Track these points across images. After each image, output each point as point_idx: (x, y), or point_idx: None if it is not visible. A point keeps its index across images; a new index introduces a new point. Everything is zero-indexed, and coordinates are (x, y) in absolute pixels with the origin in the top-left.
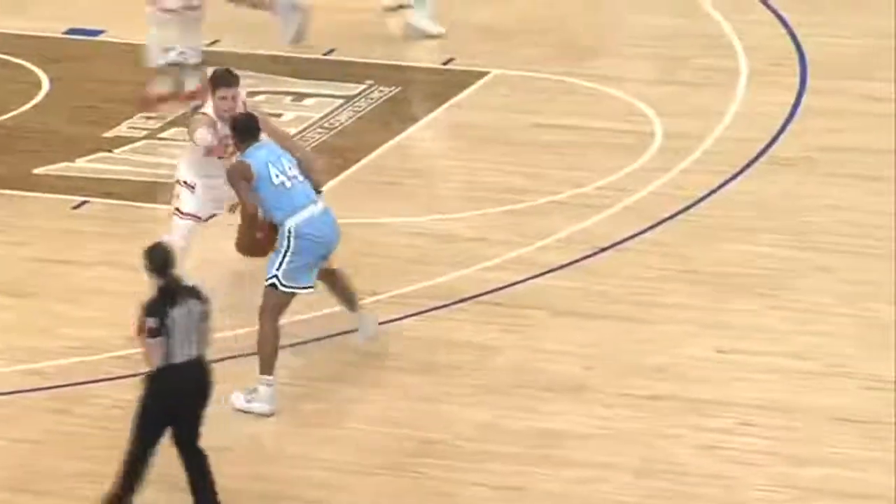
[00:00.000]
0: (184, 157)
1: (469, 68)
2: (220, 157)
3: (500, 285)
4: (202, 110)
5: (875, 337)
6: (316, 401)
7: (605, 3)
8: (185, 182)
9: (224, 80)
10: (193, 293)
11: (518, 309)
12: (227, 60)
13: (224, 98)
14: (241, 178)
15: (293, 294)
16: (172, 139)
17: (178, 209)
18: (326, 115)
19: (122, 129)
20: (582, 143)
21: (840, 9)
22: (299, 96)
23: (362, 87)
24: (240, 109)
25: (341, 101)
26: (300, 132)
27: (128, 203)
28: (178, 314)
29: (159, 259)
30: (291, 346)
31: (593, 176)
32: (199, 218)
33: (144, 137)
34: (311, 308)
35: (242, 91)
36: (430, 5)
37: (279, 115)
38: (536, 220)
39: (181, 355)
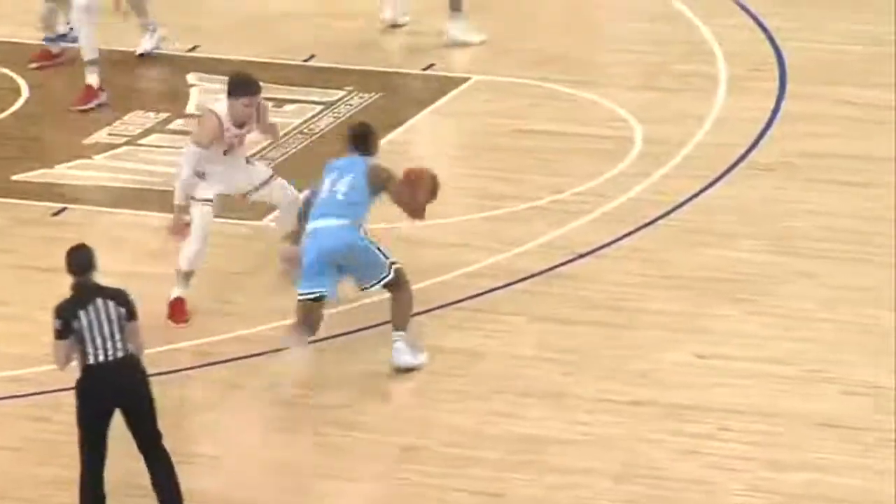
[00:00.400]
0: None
1: (450, 74)
2: (225, 153)
3: (481, 291)
4: (211, 107)
5: (855, 342)
6: (298, 407)
7: (584, 10)
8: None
9: (251, 88)
10: (111, 294)
11: (498, 315)
12: (205, 66)
13: (248, 105)
14: None
15: (308, 302)
16: (153, 145)
17: (192, 197)
18: (306, 121)
19: (101, 136)
20: (562, 149)
21: (819, 14)
22: (279, 102)
23: (342, 93)
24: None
25: (321, 107)
26: (280, 138)
27: (108, 210)
28: (90, 316)
29: (77, 261)
30: (271, 352)
31: (573, 181)
32: (211, 201)
33: (124, 144)
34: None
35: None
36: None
37: None
38: (517, 226)
39: (99, 357)
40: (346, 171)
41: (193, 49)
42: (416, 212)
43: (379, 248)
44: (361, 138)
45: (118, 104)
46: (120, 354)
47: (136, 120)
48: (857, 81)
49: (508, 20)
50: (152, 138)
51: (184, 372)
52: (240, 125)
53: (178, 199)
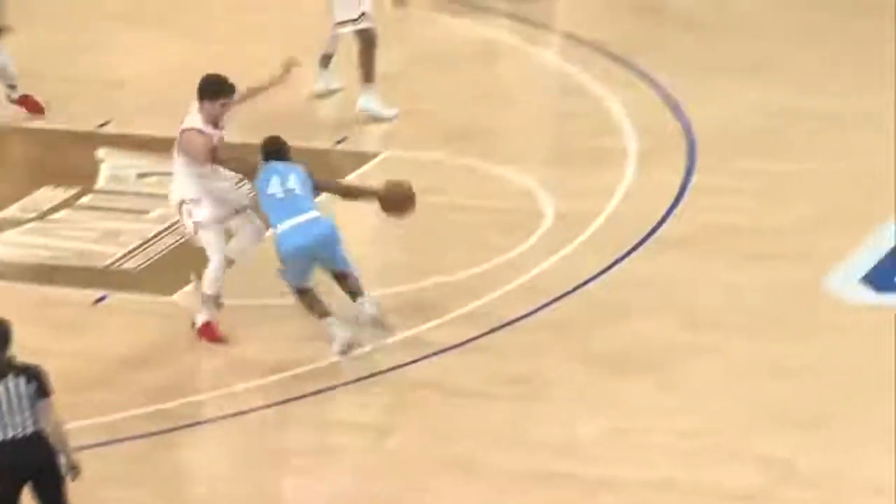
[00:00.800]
0: (177, 180)
1: (360, 149)
2: (212, 164)
3: (394, 365)
4: (186, 126)
5: (764, 415)
6: (210, 482)
7: (493, 84)
8: (188, 200)
9: (228, 89)
10: (22, 371)
11: (411, 390)
12: (115, 141)
13: (224, 105)
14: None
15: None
16: (65, 220)
17: (196, 223)
18: None
19: (11, 211)
20: (473, 223)
21: (725, 84)
22: None
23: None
24: None
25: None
26: None
27: (18, 284)
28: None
29: None
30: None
31: (486, 255)
32: (220, 222)
33: (34, 219)
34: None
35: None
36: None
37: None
38: (430, 300)
39: (8, 432)
40: (286, 171)
41: (104, 125)
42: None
43: None
44: (277, 151)
45: (28, 179)
46: (29, 431)
47: (46, 195)
48: (763, 152)
49: (418, 94)
50: (63, 213)
51: (96, 448)
52: (216, 125)
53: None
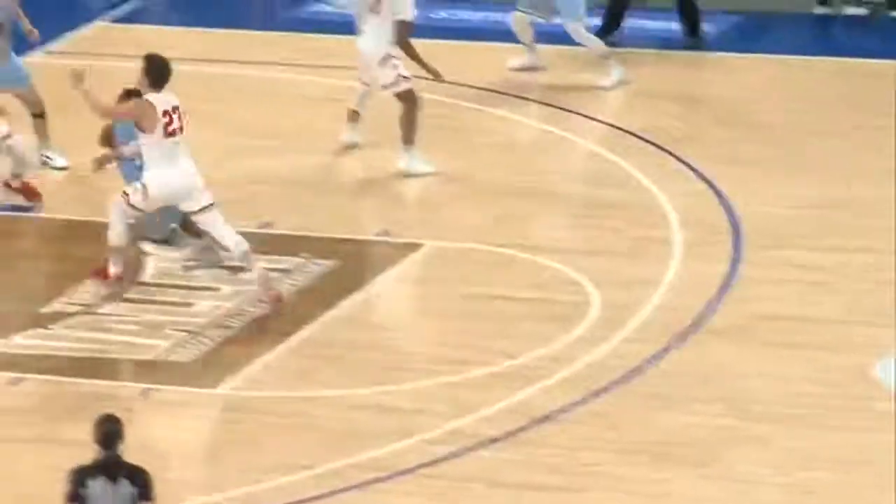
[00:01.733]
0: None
1: (403, 240)
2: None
3: (439, 457)
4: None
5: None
6: None
7: (539, 174)
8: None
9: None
10: (128, 473)
11: (457, 481)
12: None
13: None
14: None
15: None
16: (111, 314)
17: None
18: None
19: (57, 305)
20: (517, 313)
21: (772, 179)
22: (234, 270)
23: (298, 260)
24: None
25: (277, 274)
26: (238, 305)
27: (66, 379)
28: (98, 488)
29: (101, 432)
30: None
31: (529, 346)
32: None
33: (82, 313)
34: None
35: None
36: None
37: (217, 290)
38: (474, 392)
39: None
40: None
41: None
42: None
43: None
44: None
45: (75, 272)
46: None
47: (92, 288)
48: (809, 245)
49: (461, 183)
50: (108, 307)
51: None
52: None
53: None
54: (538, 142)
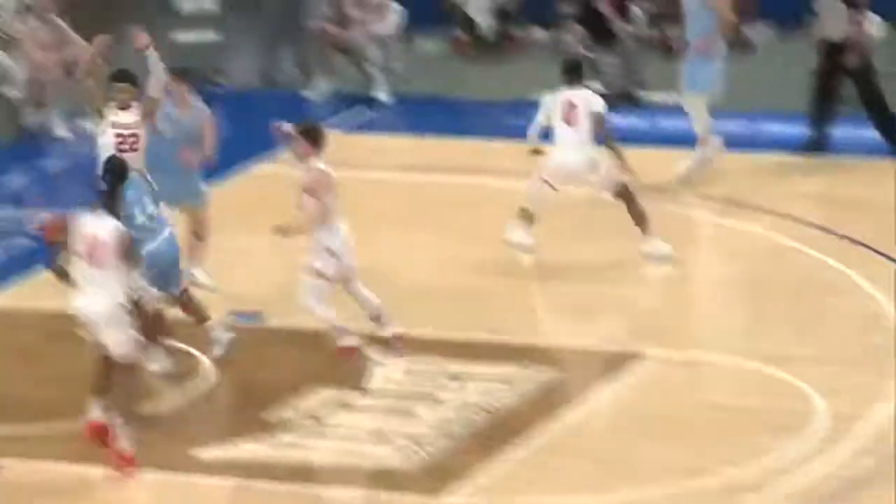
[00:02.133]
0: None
1: (625, 350)
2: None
3: None
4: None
5: None
6: None
7: (764, 285)
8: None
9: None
10: None
11: None
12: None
13: None
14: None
15: None
16: (337, 422)
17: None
18: (487, 397)
19: (286, 413)
20: (738, 422)
21: None
22: (456, 377)
23: (521, 368)
24: None
25: (503, 385)
26: (460, 413)
27: (292, 485)
28: None
29: None
30: None
31: (751, 456)
32: None
33: (308, 421)
34: None
35: None
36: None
37: (440, 401)
38: (692, 503)
39: None
40: None
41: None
42: None
43: None
44: None
45: (301, 379)
46: None
47: (320, 396)
48: None
49: (683, 288)
50: (334, 415)
51: None
52: None
53: None
54: (761, 248)
